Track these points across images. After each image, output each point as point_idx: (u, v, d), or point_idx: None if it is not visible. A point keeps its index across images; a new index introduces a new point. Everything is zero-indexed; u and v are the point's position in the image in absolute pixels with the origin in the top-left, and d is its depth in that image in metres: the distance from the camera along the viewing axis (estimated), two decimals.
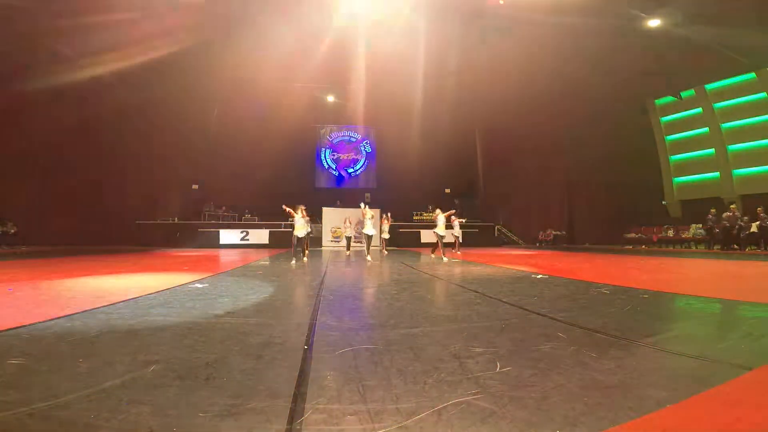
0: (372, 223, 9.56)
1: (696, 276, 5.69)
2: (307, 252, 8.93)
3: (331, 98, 18.39)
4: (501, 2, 10.72)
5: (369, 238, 9.56)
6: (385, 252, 9.17)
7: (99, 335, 2.19)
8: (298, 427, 1.16)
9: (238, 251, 13.51)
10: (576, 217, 18.35)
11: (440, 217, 9.20)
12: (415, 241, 17.60)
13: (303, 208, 8.38)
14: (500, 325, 2.45)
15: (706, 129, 14.31)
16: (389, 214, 11.75)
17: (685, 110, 14.98)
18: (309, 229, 8.65)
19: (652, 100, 15.81)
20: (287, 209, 8.50)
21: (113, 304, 3.12)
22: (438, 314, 2.85)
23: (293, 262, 7.82)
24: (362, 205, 9.76)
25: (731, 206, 12.25)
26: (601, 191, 17.20)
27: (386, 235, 11.51)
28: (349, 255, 10.68)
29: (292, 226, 8.42)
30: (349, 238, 12.08)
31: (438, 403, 1.29)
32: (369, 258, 9.01)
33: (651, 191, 15.85)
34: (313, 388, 1.45)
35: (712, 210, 12.51)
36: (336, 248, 16.04)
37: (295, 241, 8.25)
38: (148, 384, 1.48)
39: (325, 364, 1.72)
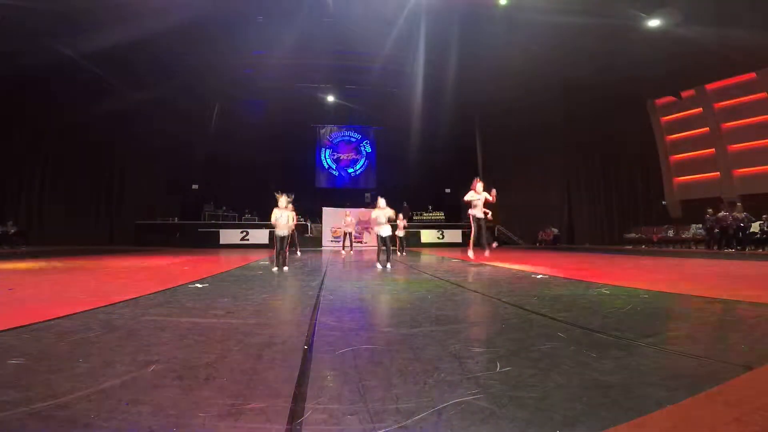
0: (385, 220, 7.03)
1: (696, 276, 5.69)
2: (297, 254, 6.60)
3: (331, 98, 18.39)
4: (503, 2, 10.71)
5: (384, 239, 6.69)
6: (399, 254, 7.04)
7: (99, 335, 2.19)
8: (298, 427, 1.16)
9: (238, 251, 13.50)
10: (576, 217, 18.34)
11: (477, 195, 6.54)
12: (416, 241, 17.60)
13: (287, 198, 6.39)
14: (500, 325, 2.45)
15: (706, 129, 14.31)
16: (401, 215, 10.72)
17: (685, 110, 14.98)
18: (291, 225, 6.49)
19: (652, 100, 15.81)
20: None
21: (113, 304, 3.11)
22: (438, 314, 2.85)
23: (275, 269, 6.16)
24: (380, 200, 7.00)
25: (738, 204, 12.21)
26: (601, 191, 17.21)
27: (401, 233, 10.66)
28: (344, 256, 9.52)
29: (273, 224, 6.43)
30: (348, 234, 11.69)
31: (438, 403, 1.29)
32: (388, 267, 6.51)
33: (651, 191, 15.84)
34: (313, 388, 1.44)
35: (709, 210, 12.51)
36: (336, 248, 16.03)
37: (277, 242, 6.32)
38: (148, 384, 1.47)
39: (325, 364, 1.72)
